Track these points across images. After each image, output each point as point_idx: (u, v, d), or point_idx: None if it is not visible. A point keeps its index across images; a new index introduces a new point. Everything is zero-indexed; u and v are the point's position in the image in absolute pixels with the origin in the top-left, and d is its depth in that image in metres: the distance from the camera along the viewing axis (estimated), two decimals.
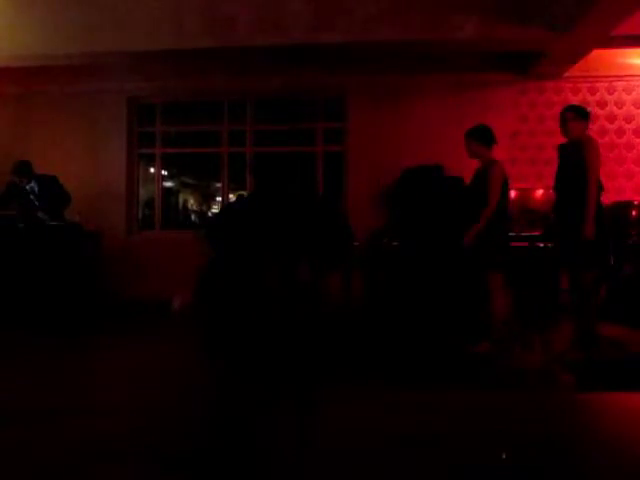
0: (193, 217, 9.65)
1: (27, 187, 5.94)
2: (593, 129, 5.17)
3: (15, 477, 2.35)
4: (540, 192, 6.05)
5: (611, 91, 6.46)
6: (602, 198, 4.18)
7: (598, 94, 6.46)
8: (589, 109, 4.50)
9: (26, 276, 5.76)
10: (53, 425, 2.95)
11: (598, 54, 5.83)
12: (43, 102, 6.95)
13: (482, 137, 4.33)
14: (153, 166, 7.28)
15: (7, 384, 3.72)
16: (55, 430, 2.88)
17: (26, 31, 6.09)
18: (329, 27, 5.57)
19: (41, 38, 6.06)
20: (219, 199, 7.42)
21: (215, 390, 3.40)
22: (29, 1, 6.09)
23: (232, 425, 2.86)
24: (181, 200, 9.42)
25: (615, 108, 6.46)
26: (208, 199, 9.66)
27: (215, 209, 8.00)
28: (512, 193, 5.80)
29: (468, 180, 4.59)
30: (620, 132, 6.44)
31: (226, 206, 4.31)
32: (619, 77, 6.44)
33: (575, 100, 5.97)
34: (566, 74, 6.32)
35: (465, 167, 5.00)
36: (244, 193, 7.04)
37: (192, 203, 9.98)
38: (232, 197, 7.16)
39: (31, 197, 5.94)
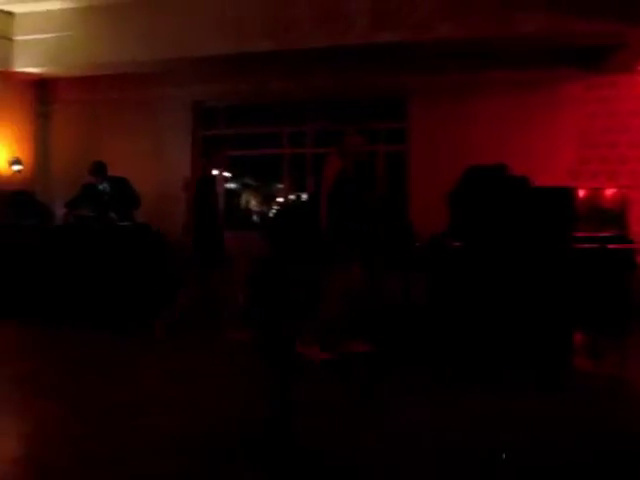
0: (255, 218, 9.81)
1: (100, 188, 6.22)
2: None
3: (79, 465, 2.47)
4: (611, 191, 5.78)
5: None
6: None
7: None
8: None
9: (96, 274, 6.02)
10: (119, 419, 3.07)
11: None
12: (113, 108, 7.26)
13: None
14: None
15: (83, 380, 3.92)
16: (121, 423, 3.00)
17: (96, 42, 6.41)
18: (389, 27, 5.54)
19: (110, 48, 6.36)
20: (280, 200, 7.51)
21: (267, 389, 3.45)
22: (98, 14, 6.40)
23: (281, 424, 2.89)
24: (243, 201, 9.59)
25: None
26: (269, 200, 9.80)
27: (275, 209, 8.11)
28: (581, 192, 5.61)
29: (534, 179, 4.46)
30: None
31: (286, 208, 4.37)
32: None
33: None
34: None
35: (531, 166, 4.86)
36: (303, 195, 7.10)
37: (254, 204, 10.14)
38: (292, 198, 7.24)
39: (104, 198, 6.22)
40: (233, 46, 6.00)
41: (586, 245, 4.96)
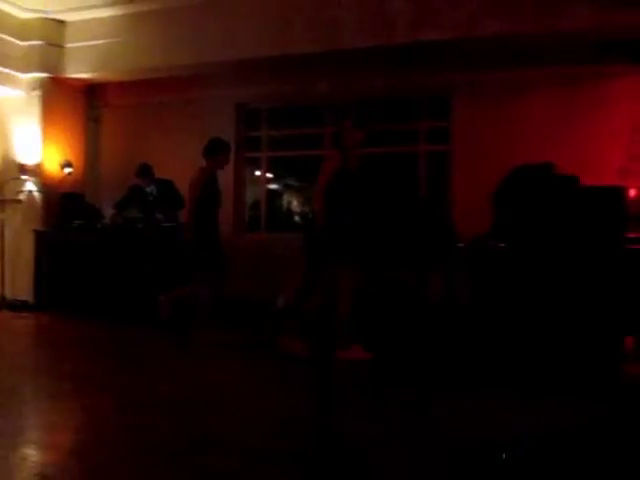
0: (296, 219, 9.87)
1: (147, 189, 6.40)
2: None
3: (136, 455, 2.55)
4: None
5: None
6: None
7: None
8: None
9: (143, 274, 6.18)
10: (171, 413, 3.16)
11: None
12: (159, 111, 7.42)
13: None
14: (259, 169, 7.53)
15: (136, 377, 4.04)
16: (173, 418, 3.08)
17: (144, 47, 6.60)
18: (432, 25, 5.50)
19: (158, 52, 6.54)
20: None
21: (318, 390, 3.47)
22: (145, 19, 6.58)
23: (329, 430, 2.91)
24: (285, 202, 9.67)
25: None
26: (311, 201, 9.81)
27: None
28: (632, 192, 5.42)
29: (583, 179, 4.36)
30: None
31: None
32: None
33: None
34: None
35: (579, 165, 4.75)
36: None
37: (295, 205, 10.20)
38: None
39: (150, 199, 6.39)
40: (277, 48, 6.07)
41: (637, 246, 4.80)
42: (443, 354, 4.39)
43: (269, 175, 7.57)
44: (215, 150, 5.23)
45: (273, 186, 8.04)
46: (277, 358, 4.39)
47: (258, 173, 7.57)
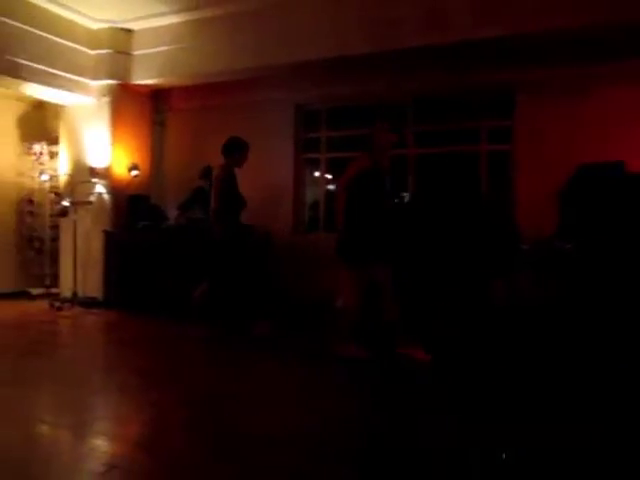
0: None
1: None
2: None
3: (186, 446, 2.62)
4: None
5: None
6: None
7: None
8: None
9: (205, 274, 6.33)
10: (224, 409, 3.22)
11: None
12: (220, 114, 7.58)
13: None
14: (318, 170, 7.57)
15: (197, 372, 4.15)
16: (226, 413, 3.14)
17: (207, 52, 6.77)
18: (492, 21, 5.36)
19: (220, 57, 6.70)
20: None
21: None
22: (208, 25, 6.75)
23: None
24: None
25: None
26: None
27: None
28: None
29: None
30: None
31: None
32: None
33: None
34: None
35: None
36: (405, 194, 7.04)
37: None
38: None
39: None
40: (333, 50, 6.09)
41: None
42: (505, 357, 4.27)
43: (328, 176, 7.59)
44: (232, 149, 5.40)
45: (332, 187, 8.07)
46: (333, 359, 4.39)
47: (317, 174, 7.61)
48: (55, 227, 7.72)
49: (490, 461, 2.46)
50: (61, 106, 7.53)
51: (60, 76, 6.85)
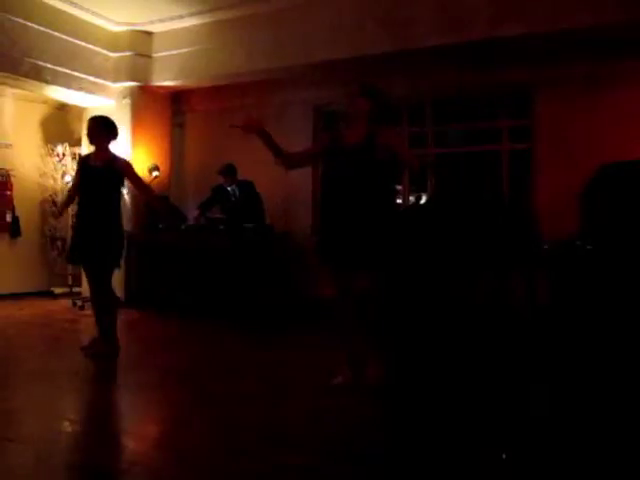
0: None
1: (229, 188, 6.61)
2: None
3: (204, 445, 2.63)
4: None
5: None
6: None
7: None
8: None
9: (225, 273, 6.38)
10: (241, 408, 3.24)
11: None
12: (238, 115, 7.53)
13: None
14: None
15: (218, 370, 4.18)
16: (243, 412, 3.15)
17: (226, 54, 6.80)
18: (512, 19, 5.31)
19: (239, 59, 6.73)
20: (399, 201, 7.47)
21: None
22: (226, 27, 6.79)
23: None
24: None
25: None
26: None
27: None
28: None
29: None
30: None
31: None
32: None
33: None
34: None
35: None
36: (422, 195, 7.01)
37: None
38: (412, 199, 7.17)
39: (232, 200, 6.60)
40: (351, 49, 6.08)
41: None
42: (521, 358, 4.23)
43: None
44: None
45: None
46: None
47: None
48: None
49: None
50: (83, 108, 7.64)
51: (81, 78, 6.95)
